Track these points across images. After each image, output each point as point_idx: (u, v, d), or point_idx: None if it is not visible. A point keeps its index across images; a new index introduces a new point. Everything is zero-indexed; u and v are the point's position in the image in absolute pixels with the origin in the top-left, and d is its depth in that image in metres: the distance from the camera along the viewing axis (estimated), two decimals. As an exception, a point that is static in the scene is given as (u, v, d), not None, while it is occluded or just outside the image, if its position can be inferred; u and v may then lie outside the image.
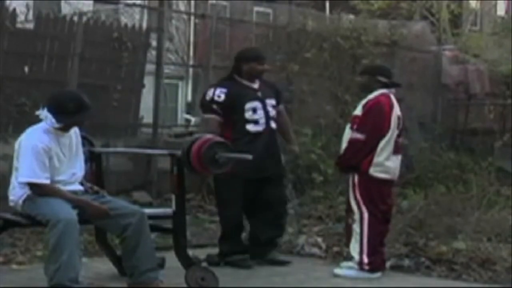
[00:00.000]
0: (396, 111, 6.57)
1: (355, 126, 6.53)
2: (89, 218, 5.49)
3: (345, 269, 6.59)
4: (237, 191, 6.74)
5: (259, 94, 6.88)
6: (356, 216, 6.56)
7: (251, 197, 6.86)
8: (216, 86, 6.92)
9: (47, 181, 5.40)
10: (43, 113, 5.49)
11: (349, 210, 6.73)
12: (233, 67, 6.96)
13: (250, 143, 6.68)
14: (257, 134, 6.79)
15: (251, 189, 6.79)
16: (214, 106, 6.77)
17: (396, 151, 6.54)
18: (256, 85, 6.90)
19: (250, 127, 6.77)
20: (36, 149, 5.36)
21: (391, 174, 6.60)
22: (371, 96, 6.58)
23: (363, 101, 6.59)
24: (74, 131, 5.65)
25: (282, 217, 7.13)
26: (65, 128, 5.53)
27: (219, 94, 6.77)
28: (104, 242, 6.27)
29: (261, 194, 6.90)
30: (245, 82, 6.88)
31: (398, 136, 6.57)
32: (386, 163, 6.50)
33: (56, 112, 5.44)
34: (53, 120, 5.44)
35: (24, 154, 5.38)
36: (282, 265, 6.90)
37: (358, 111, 6.59)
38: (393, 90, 6.73)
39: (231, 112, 6.74)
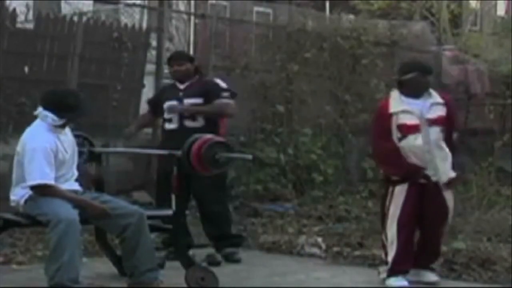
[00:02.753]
0: None
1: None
2: (90, 218, 5.50)
3: None
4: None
5: (180, 93, 7.10)
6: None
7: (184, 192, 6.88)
8: None
9: (53, 182, 5.41)
10: (42, 112, 5.50)
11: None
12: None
13: (165, 141, 7.03)
14: (171, 132, 6.98)
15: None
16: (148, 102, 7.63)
17: None
18: (183, 86, 7.14)
19: (166, 125, 7.08)
20: (45, 151, 5.38)
21: None
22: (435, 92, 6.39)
23: (438, 98, 6.33)
24: (68, 129, 5.67)
25: (213, 214, 7.13)
26: (64, 125, 5.54)
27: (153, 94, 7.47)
28: (104, 242, 6.27)
29: (191, 192, 7.03)
30: (176, 83, 7.21)
31: None
32: None
33: (56, 109, 5.46)
34: (55, 118, 5.45)
35: (32, 157, 5.38)
36: (235, 262, 6.98)
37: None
38: None
39: (158, 112, 7.23)
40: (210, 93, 7.11)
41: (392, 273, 6.20)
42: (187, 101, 7.04)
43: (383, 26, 13.36)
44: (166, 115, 7.08)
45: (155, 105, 7.29)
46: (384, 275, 6.27)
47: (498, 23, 22.68)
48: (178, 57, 7.35)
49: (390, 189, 6.25)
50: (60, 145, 5.50)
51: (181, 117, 7.01)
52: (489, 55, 15.98)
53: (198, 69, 7.32)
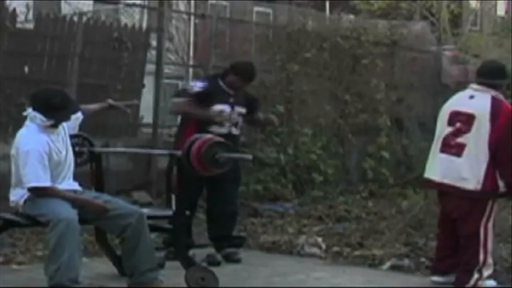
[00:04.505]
0: (452, 105, 6.23)
1: None
2: (89, 217, 5.49)
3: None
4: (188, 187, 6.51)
5: (231, 99, 7.03)
6: None
7: (195, 194, 6.91)
8: (197, 80, 7.35)
9: (49, 183, 5.41)
10: (32, 113, 5.50)
11: None
12: (224, 71, 7.23)
13: None
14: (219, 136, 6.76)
15: (192, 186, 6.58)
16: (188, 93, 7.04)
17: (442, 149, 6.16)
18: (232, 92, 7.07)
19: (214, 129, 6.85)
20: (38, 154, 5.36)
21: (431, 174, 6.28)
22: None
23: None
24: (62, 126, 5.65)
25: (225, 216, 7.11)
26: (55, 125, 5.53)
27: (197, 85, 7.08)
28: (104, 242, 6.27)
29: (212, 192, 7.03)
30: (224, 86, 7.06)
31: (453, 134, 6.09)
32: (429, 161, 6.30)
33: (44, 110, 5.45)
34: (43, 119, 5.45)
35: (26, 160, 5.37)
36: (235, 262, 6.95)
37: None
38: (472, 86, 6.25)
39: (199, 107, 6.94)
40: (253, 105, 7.25)
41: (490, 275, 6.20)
42: (237, 108, 7.08)
43: (383, 26, 13.37)
44: (217, 118, 6.98)
45: (203, 99, 6.99)
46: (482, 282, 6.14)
47: (498, 23, 22.69)
48: (250, 74, 7.17)
49: (491, 203, 6.08)
50: (53, 146, 5.48)
51: (231, 123, 7.04)
52: (489, 55, 15.96)
53: None
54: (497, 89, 6.13)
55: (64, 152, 5.59)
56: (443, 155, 6.12)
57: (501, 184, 6.01)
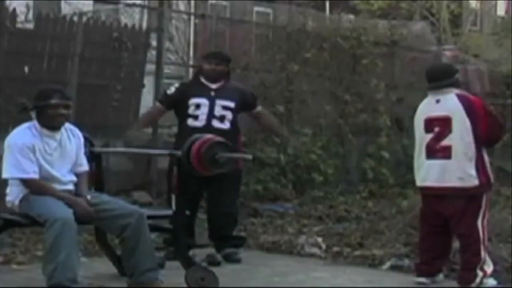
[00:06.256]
0: (423, 113, 6.29)
1: None
2: (77, 218, 5.42)
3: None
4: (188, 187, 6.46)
5: (212, 93, 7.04)
6: None
7: (195, 193, 6.91)
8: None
9: (36, 176, 5.39)
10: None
11: None
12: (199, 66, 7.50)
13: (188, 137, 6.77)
14: (194, 129, 6.75)
15: (193, 185, 6.56)
16: (163, 97, 7.42)
17: (429, 156, 6.15)
18: (214, 85, 7.08)
19: (189, 122, 6.97)
20: (17, 146, 5.35)
21: (426, 181, 6.21)
22: None
23: None
24: (67, 136, 5.61)
25: (225, 216, 7.07)
26: (47, 125, 5.49)
27: (172, 88, 7.26)
28: (104, 242, 6.27)
29: (204, 191, 7.07)
30: (204, 81, 7.11)
31: (435, 139, 6.12)
32: (417, 170, 6.28)
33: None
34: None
35: (7, 152, 5.39)
36: (235, 262, 6.95)
37: None
38: (432, 91, 6.32)
39: (177, 106, 7.12)
40: (248, 99, 7.20)
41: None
42: (220, 102, 7.01)
43: (383, 26, 13.37)
44: (191, 111, 7.00)
45: (176, 100, 7.11)
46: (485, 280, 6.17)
47: (498, 23, 22.74)
48: (219, 56, 7.26)
49: (485, 198, 6.10)
50: (41, 144, 5.45)
51: (209, 116, 6.97)
52: (489, 55, 15.99)
53: (229, 72, 7.30)
54: (457, 86, 6.22)
55: (56, 155, 5.50)
56: (433, 161, 6.14)
57: (491, 174, 6.11)
